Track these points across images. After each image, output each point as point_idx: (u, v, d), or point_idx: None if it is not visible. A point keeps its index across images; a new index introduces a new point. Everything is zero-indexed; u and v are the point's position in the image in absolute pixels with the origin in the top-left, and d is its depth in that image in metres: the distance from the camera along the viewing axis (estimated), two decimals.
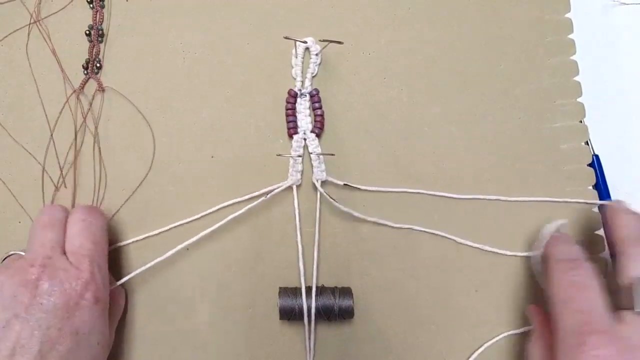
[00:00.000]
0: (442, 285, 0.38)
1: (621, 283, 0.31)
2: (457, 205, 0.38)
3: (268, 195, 0.36)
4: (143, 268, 0.35)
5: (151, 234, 0.36)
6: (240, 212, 0.35)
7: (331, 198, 0.36)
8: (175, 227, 0.37)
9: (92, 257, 0.32)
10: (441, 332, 0.37)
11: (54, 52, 0.39)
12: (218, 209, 0.36)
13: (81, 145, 0.38)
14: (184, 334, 0.37)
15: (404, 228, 0.38)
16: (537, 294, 0.37)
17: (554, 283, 0.31)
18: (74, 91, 0.39)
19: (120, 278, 0.35)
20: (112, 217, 0.38)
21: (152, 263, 0.35)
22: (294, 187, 0.37)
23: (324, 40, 0.36)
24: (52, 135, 0.38)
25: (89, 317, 0.30)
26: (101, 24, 0.39)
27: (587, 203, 0.38)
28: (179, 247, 0.35)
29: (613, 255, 0.36)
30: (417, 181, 0.38)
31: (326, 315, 0.35)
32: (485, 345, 0.37)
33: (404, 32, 0.40)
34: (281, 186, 0.37)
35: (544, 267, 0.34)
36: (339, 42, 0.36)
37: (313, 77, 0.39)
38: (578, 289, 0.30)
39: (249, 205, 0.36)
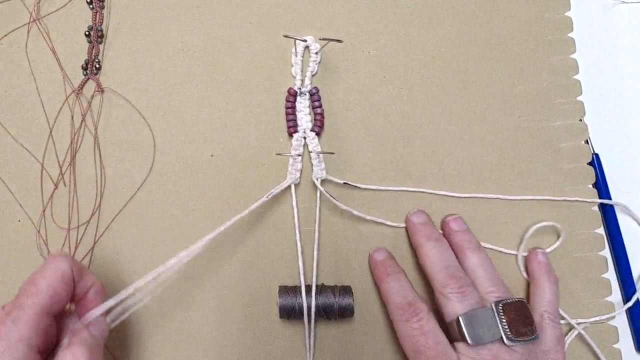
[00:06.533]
0: None
1: (448, 321, 0.33)
2: (457, 203, 0.38)
3: (268, 196, 0.36)
4: (142, 281, 0.32)
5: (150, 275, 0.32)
6: (241, 214, 0.35)
7: (331, 196, 0.36)
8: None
9: None
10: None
11: (53, 51, 0.39)
12: (224, 229, 0.35)
13: (80, 144, 0.38)
14: (183, 333, 0.37)
15: (404, 227, 0.38)
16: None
17: (399, 334, 0.34)
18: (73, 91, 0.39)
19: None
20: (114, 218, 0.38)
21: (153, 275, 0.32)
22: (293, 186, 0.37)
23: (323, 39, 0.36)
24: (51, 133, 0.38)
25: None
26: (101, 24, 0.39)
27: (586, 202, 0.38)
28: (183, 256, 0.33)
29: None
30: (417, 180, 0.38)
31: (326, 313, 0.35)
32: None
33: (404, 31, 0.40)
34: (281, 186, 0.37)
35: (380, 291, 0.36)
36: (339, 41, 0.36)
37: (313, 75, 0.39)
38: (421, 337, 0.32)
39: (251, 207, 0.35)
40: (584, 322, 0.37)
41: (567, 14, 0.40)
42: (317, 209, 0.38)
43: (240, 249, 0.37)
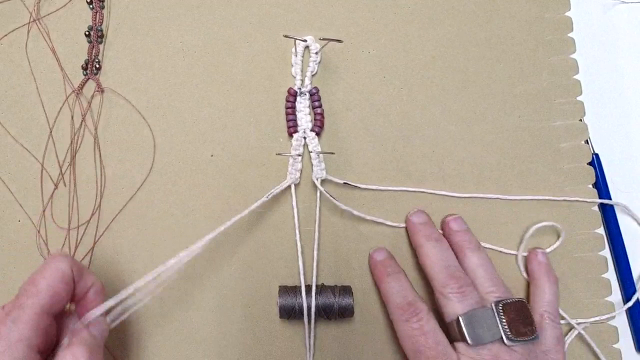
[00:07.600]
0: None
1: (448, 321, 0.33)
2: (457, 203, 0.38)
3: (268, 196, 0.36)
4: (141, 282, 0.32)
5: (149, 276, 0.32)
6: (241, 214, 0.35)
7: (331, 196, 0.36)
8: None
9: None
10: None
11: (53, 51, 0.39)
12: (223, 229, 0.35)
13: (80, 144, 0.38)
14: (183, 333, 0.37)
15: (404, 227, 0.38)
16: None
17: (399, 334, 0.34)
18: (73, 91, 0.39)
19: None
20: (114, 218, 0.38)
21: (153, 275, 0.32)
22: (293, 186, 0.37)
23: (323, 39, 0.36)
24: (51, 133, 0.38)
25: None
26: (101, 24, 0.39)
27: (587, 202, 0.38)
28: (183, 256, 0.33)
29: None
30: (417, 180, 0.38)
31: (326, 313, 0.35)
32: None
33: (404, 31, 0.40)
34: (281, 186, 0.37)
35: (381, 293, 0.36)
36: (339, 41, 0.36)
37: (313, 75, 0.39)
38: (421, 337, 0.32)
39: (251, 207, 0.35)
40: (584, 322, 0.37)
41: (567, 14, 0.40)
42: (317, 209, 0.38)
43: (240, 249, 0.37)
